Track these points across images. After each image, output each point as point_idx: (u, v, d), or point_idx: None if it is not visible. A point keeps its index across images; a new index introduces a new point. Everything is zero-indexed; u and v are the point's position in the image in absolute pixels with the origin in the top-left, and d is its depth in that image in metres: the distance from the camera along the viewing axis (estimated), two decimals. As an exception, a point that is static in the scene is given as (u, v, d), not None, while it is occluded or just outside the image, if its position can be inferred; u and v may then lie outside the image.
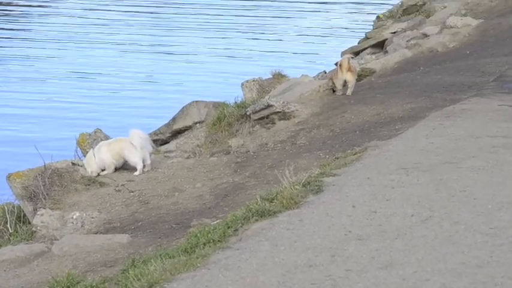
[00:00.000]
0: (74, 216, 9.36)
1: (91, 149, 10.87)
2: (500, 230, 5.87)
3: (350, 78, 12.64)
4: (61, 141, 15.57)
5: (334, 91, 12.79)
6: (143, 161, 10.73)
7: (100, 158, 10.74)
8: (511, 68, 12.74)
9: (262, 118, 11.88)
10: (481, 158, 7.69)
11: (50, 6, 34.76)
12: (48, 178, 10.08)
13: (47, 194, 9.93)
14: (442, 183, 6.96)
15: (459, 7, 20.41)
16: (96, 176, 10.60)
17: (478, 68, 13.14)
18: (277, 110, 11.85)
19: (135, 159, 10.70)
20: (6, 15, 33.14)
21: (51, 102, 20.91)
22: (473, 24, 17.79)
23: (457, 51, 15.94)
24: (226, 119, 12.30)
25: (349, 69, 12.62)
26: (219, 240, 6.26)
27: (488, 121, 9.24)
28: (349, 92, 12.65)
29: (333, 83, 12.90)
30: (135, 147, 10.71)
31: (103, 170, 10.75)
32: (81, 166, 10.62)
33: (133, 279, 5.93)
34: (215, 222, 7.37)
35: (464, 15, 19.14)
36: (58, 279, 6.85)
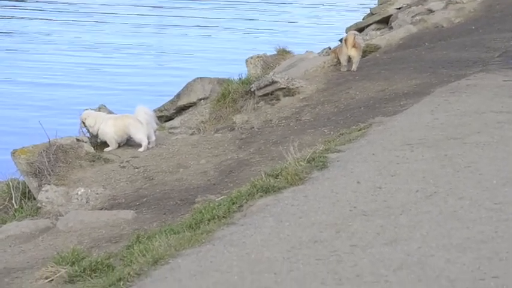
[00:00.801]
0: (79, 192, 9.37)
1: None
2: (505, 205, 5.87)
3: (354, 54, 12.63)
4: (66, 117, 15.58)
5: (339, 66, 12.77)
6: (148, 138, 10.73)
7: (103, 131, 10.76)
8: (517, 43, 12.69)
9: (266, 94, 11.86)
10: (486, 134, 7.67)
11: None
12: (53, 154, 10.08)
13: (51, 170, 9.93)
14: (447, 159, 6.95)
15: (464, -18, 20.29)
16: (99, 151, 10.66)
17: (484, 44, 13.08)
18: (282, 86, 11.82)
19: (141, 135, 10.69)
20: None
21: (56, 78, 20.90)
22: (479, 0, 17.70)
23: (462, 26, 15.87)
24: (230, 96, 12.28)
25: (354, 45, 12.59)
26: (223, 216, 6.26)
27: (493, 96, 9.21)
28: (354, 67, 12.63)
29: (338, 59, 12.88)
30: (141, 124, 10.70)
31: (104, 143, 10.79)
32: (86, 142, 10.62)
33: (138, 254, 5.95)
34: (220, 198, 7.37)
35: (470, -10, 19.04)
36: (63, 254, 6.87)
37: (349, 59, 12.62)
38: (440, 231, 5.49)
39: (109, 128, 10.78)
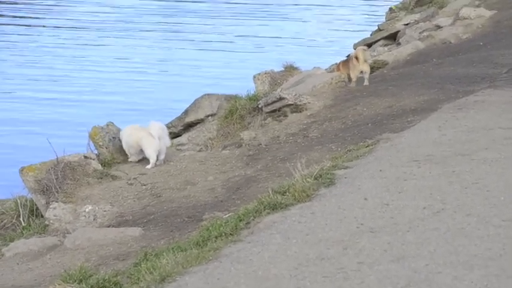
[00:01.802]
0: (87, 210, 9.38)
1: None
2: (513, 222, 5.85)
3: (367, 69, 12.73)
4: (73, 134, 15.61)
5: (347, 82, 12.79)
6: (158, 154, 10.73)
7: (122, 139, 10.88)
8: (525, 59, 12.68)
9: (274, 111, 11.86)
10: (493, 150, 7.65)
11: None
12: (60, 171, 10.10)
13: (59, 188, 9.94)
14: (455, 175, 6.94)
15: (472, -2, 20.32)
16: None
17: (491, 60, 13.07)
18: (289, 102, 11.83)
19: (150, 151, 10.69)
20: (21, 3, 33.26)
21: (62, 94, 20.94)
22: (487, 15, 17.70)
23: (470, 42, 15.87)
24: (238, 112, 12.30)
25: (365, 60, 12.69)
26: (230, 234, 6.25)
27: (501, 113, 9.19)
28: (366, 82, 12.69)
29: (347, 75, 12.90)
30: (153, 138, 10.69)
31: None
32: (94, 159, 10.63)
33: (146, 272, 5.94)
34: (227, 216, 7.37)
35: (478, 6, 19.06)
36: (70, 272, 6.87)
37: (360, 74, 12.69)
38: (448, 248, 5.47)
39: (125, 138, 10.84)
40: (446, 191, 6.57)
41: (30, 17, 31.39)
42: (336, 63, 13.89)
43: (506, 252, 5.35)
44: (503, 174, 6.95)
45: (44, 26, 29.90)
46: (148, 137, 10.70)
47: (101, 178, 10.28)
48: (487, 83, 11.25)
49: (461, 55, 14.43)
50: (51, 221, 9.36)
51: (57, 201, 9.63)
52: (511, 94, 10.25)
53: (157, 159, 10.71)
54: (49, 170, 10.13)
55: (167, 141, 11.00)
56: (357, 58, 12.78)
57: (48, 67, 23.80)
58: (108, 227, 8.94)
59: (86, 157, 10.59)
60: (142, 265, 6.29)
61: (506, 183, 6.70)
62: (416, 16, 20.30)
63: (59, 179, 10.02)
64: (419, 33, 17.79)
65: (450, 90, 11.21)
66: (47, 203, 9.81)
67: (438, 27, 17.87)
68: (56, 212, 9.42)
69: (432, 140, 8.18)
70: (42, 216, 9.84)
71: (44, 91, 21.16)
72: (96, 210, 9.35)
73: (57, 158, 10.29)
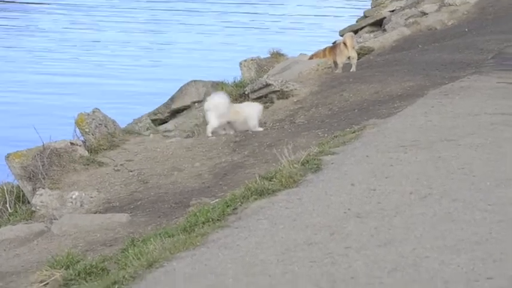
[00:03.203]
0: (73, 196, 9.36)
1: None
2: (498, 206, 5.88)
3: (354, 55, 12.76)
4: (59, 120, 15.57)
5: (334, 68, 12.81)
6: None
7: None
8: (510, 45, 12.72)
9: (260, 97, 11.87)
10: (479, 135, 7.68)
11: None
12: (47, 158, 10.07)
13: (46, 174, 9.92)
14: (441, 161, 6.97)
15: (458, -16, 20.33)
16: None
17: (477, 46, 13.12)
18: (276, 89, 11.84)
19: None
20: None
21: (48, 81, 20.86)
22: (472, 2, 17.75)
23: (455, 28, 15.91)
24: (224, 98, 12.26)
25: (353, 47, 12.73)
26: (218, 219, 6.26)
27: (486, 98, 9.23)
28: (353, 68, 12.72)
29: (334, 61, 12.91)
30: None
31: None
32: (80, 146, 10.61)
33: (133, 258, 5.94)
34: (214, 201, 7.38)
35: (463, -8, 19.08)
36: (58, 258, 6.86)
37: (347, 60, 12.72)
38: (435, 232, 5.50)
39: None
40: (433, 176, 6.60)
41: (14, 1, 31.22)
42: (319, 50, 13.88)
43: (492, 237, 5.38)
44: (489, 159, 6.99)
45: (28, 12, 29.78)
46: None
47: (88, 164, 10.26)
48: (472, 69, 11.29)
49: (447, 41, 14.47)
50: (37, 208, 9.35)
51: (43, 188, 9.61)
52: (496, 80, 10.29)
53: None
54: (35, 156, 10.10)
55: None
56: (345, 44, 12.80)
57: (31, 50, 23.68)
58: (95, 213, 8.94)
59: (72, 143, 10.56)
60: (129, 251, 6.29)
61: (492, 168, 6.74)
62: (402, 3, 20.33)
63: (45, 165, 10.00)
64: (405, 19, 17.83)
65: (436, 76, 11.24)
66: (33, 190, 9.79)
67: (424, 13, 17.91)
68: (42, 198, 9.40)
69: (418, 125, 8.20)
70: (28, 202, 9.82)
71: (28, 75, 21.07)
72: (82, 196, 9.34)
73: (43, 145, 10.27)
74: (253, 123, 10.71)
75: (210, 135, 10.71)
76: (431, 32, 16.09)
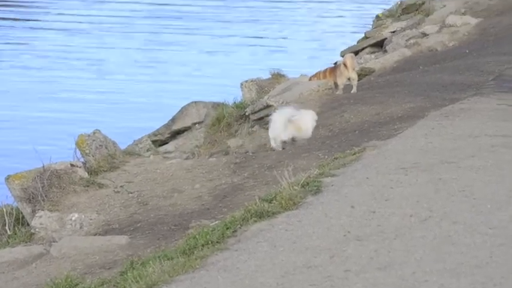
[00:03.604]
0: (73, 218, 9.34)
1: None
2: (499, 230, 5.86)
3: (354, 76, 12.77)
4: (60, 142, 15.56)
5: (334, 89, 12.82)
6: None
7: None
8: (511, 67, 12.72)
9: (261, 118, 11.87)
10: (480, 158, 7.67)
11: None
12: (46, 179, 10.06)
13: (45, 196, 9.91)
14: (441, 183, 6.94)
15: (458, 6, 20.40)
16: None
17: (478, 67, 13.12)
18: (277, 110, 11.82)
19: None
20: (4, 5, 33.17)
21: (48, 102, 20.88)
22: (473, 23, 17.77)
23: (456, 50, 15.93)
24: (225, 120, 12.30)
25: (354, 68, 12.75)
26: (217, 242, 6.24)
27: (487, 120, 9.22)
28: (354, 89, 12.73)
29: (334, 82, 12.92)
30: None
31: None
32: (80, 167, 10.60)
33: (132, 281, 5.92)
34: (214, 224, 7.35)
35: (464, 13, 19.14)
36: (56, 281, 6.84)
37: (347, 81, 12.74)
38: (435, 256, 5.47)
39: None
40: (433, 198, 6.58)
41: (17, 19, 31.31)
42: (319, 71, 13.90)
43: (492, 260, 5.35)
44: (489, 181, 6.97)
45: (31, 28, 29.87)
46: None
47: (88, 186, 10.24)
48: (473, 90, 11.29)
49: (448, 62, 14.48)
50: (37, 230, 9.32)
51: (43, 210, 9.59)
52: (497, 102, 10.28)
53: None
54: (35, 178, 10.09)
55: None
56: (345, 65, 12.82)
57: (29, 68, 23.72)
58: (95, 235, 8.91)
59: (72, 165, 10.55)
60: (128, 274, 6.26)
61: (493, 191, 6.72)
62: (403, 24, 20.36)
63: (45, 187, 9.98)
64: (406, 40, 17.85)
65: (436, 97, 11.23)
66: (33, 211, 9.77)
67: (424, 34, 17.93)
68: (42, 220, 9.37)
69: (419, 147, 8.19)
70: (28, 224, 9.80)
71: (30, 100, 21.08)
72: (82, 218, 9.32)
73: (43, 166, 10.26)
74: (310, 133, 10.66)
75: (275, 146, 10.68)
76: (432, 53, 16.10)
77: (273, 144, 10.59)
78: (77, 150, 11.20)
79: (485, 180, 7.01)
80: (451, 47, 16.46)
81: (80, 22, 31.11)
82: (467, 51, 15.33)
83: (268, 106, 11.84)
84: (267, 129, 11.67)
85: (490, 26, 17.52)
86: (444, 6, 20.72)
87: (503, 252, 5.47)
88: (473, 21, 17.93)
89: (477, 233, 5.80)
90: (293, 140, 10.66)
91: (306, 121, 10.63)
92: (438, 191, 6.76)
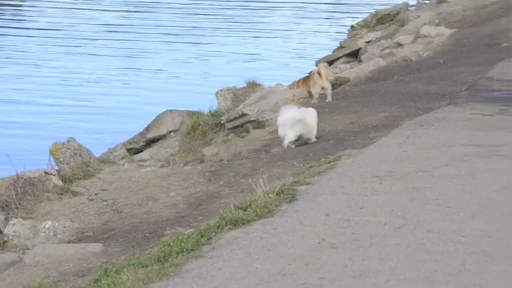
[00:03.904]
0: (47, 226, 9.29)
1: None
2: (472, 238, 5.90)
3: (328, 85, 12.83)
4: (33, 149, 15.47)
5: (309, 99, 12.86)
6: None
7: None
8: (484, 77, 12.83)
9: (236, 127, 11.87)
10: (453, 167, 7.72)
11: (22, 6, 34.64)
12: (20, 187, 10.00)
13: (19, 203, 9.85)
14: (415, 192, 6.98)
15: (433, 16, 20.56)
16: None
17: (451, 77, 13.22)
18: (252, 118, 11.85)
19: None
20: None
21: (22, 110, 20.75)
22: (447, 34, 17.91)
23: (430, 60, 16.04)
24: (200, 128, 12.28)
25: (327, 77, 12.81)
26: (192, 249, 6.23)
27: (461, 130, 9.28)
28: (329, 98, 12.78)
29: (309, 91, 12.96)
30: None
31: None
32: (54, 175, 10.55)
33: (106, 288, 5.90)
34: (188, 231, 7.34)
35: (438, 24, 19.28)
36: (30, 289, 6.80)
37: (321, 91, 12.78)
38: (409, 263, 5.50)
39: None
40: (407, 207, 6.61)
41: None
42: (295, 81, 13.95)
43: (465, 268, 5.39)
44: (463, 190, 7.02)
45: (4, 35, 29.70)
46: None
47: (62, 194, 10.20)
48: (447, 100, 11.37)
49: (422, 72, 14.57)
50: (10, 237, 9.26)
51: (16, 217, 9.53)
52: (470, 111, 10.36)
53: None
54: (9, 186, 10.03)
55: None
56: (319, 74, 12.87)
57: (8, 75, 23.58)
58: (69, 243, 8.86)
59: (46, 173, 10.50)
60: (102, 281, 6.24)
61: (466, 200, 6.77)
62: (378, 34, 20.48)
63: (18, 194, 9.92)
64: (381, 50, 17.95)
65: (411, 107, 11.30)
66: (6, 219, 9.70)
67: (399, 44, 18.04)
68: (15, 228, 9.31)
69: (393, 156, 8.23)
70: (1, 232, 9.72)
71: (4, 108, 20.95)
72: (56, 226, 9.27)
73: (17, 174, 10.20)
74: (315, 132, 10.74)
75: (286, 146, 10.65)
76: (407, 63, 16.20)
77: (286, 142, 10.66)
78: (51, 158, 11.15)
79: (459, 189, 7.06)
80: (426, 57, 16.57)
81: (55, 29, 30.99)
82: (441, 61, 15.44)
83: (243, 115, 11.85)
84: (243, 137, 11.68)
85: (463, 36, 17.66)
86: (418, 16, 20.87)
87: (476, 260, 5.50)
88: (447, 31, 18.07)
89: (450, 241, 5.84)
90: (300, 138, 10.73)
91: (311, 119, 10.70)
92: (412, 199, 6.80)
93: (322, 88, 12.83)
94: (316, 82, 12.82)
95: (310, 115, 10.71)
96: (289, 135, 10.63)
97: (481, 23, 18.82)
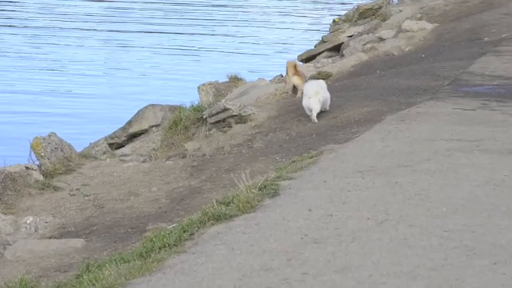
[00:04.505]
0: (28, 221, 9.24)
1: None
2: (454, 233, 5.91)
3: (299, 82, 12.83)
4: (14, 144, 15.38)
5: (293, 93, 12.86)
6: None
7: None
8: (466, 71, 12.86)
9: (218, 121, 11.85)
10: (436, 161, 7.73)
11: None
12: (1, 182, 9.94)
13: (-1, 199, 9.80)
14: (398, 186, 6.99)
15: (414, 11, 20.59)
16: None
17: (433, 72, 13.24)
18: (234, 113, 11.82)
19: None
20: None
21: (2, 103, 20.62)
22: (429, 28, 17.94)
23: (412, 55, 16.06)
24: (182, 123, 12.25)
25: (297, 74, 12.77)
26: (174, 245, 6.21)
27: (443, 124, 9.30)
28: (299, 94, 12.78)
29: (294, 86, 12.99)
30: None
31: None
32: (35, 170, 10.49)
33: (88, 284, 5.88)
34: (171, 226, 7.32)
35: (420, 19, 19.32)
36: (11, 284, 6.76)
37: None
38: (391, 258, 5.50)
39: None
40: (390, 202, 6.62)
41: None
42: (281, 75, 13.94)
43: (448, 263, 5.40)
44: (445, 185, 7.03)
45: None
46: None
47: (43, 189, 10.14)
48: (429, 95, 11.38)
49: (404, 67, 14.59)
50: (-10, 233, 9.21)
51: (-3, 213, 9.48)
52: (452, 106, 10.38)
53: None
54: (-11, 181, 9.97)
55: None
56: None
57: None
58: (50, 238, 8.82)
59: (27, 168, 10.44)
60: (84, 277, 6.22)
61: (448, 194, 6.78)
62: (360, 28, 20.49)
63: (-1, 189, 9.87)
64: (363, 45, 17.95)
65: (393, 101, 11.31)
66: (-14, 215, 9.64)
67: (381, 39, 18.06)
68: (-4, 223, 9.26)
69: (376, 151, 8.23)
70: (-18, 227, 9.67)
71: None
72: (37, 221, 9.22)
73: (-3, 169, 10.14)
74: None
75: (316, 120, 11.09)
76: (389, 58, 16.21)
77: (314, 116, 11.15)
78: (32, 153, 11.09)
79: (441, 183, 7.07)
80: (408, 51, 16.59)
81: (35, 21, 30.83)
82: (423, 56, 15.46)
83: (225, 109, 11.83)
84: (225, 132, 11.66)
85: (445, 31, 17.70)
86: (400, 11, 20.90)
87: (458, 255, 5.52)
88: (429, 26, 18.10)
89: (433, 236, 5.85)
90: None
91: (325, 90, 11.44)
92: (395, 194, 6.81)
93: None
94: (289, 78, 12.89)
95: (325, 87, 11.46)
96: (316, 107, 11.14)
97: (463, 18, 18.86)
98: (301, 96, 11.64)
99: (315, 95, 11.10)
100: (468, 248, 5.62)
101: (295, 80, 12.75)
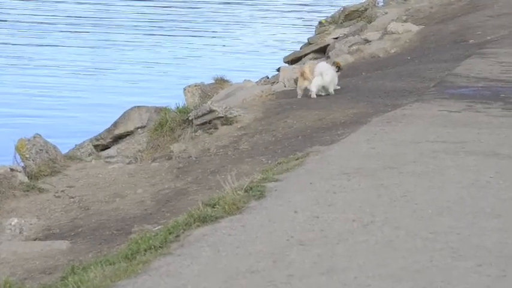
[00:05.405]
0: (12, 223, 9.20)
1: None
2: (440, 235, 5.92)
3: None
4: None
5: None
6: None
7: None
8: (451, 73, 12.90)
9: (204, 123, 11.84)
10: (421, 163, 7.74)
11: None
12: (-15, 184, 9.90)
13: (-16, 201, 9.75)
14: (383, 188, 7.00)
15: (400, 13, 20.66)
16: None
17: (419, 74, 13.27)
18: (220, 115, 11.82)
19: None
20: None
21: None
22: (414, 30, 18.00)
23: (398, 56, 16.10)
24: (168, 124, 12.22)
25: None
26: (160, 247, 6.19)
27: (428, 126, 9.32)
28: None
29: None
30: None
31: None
32: (20, 172, 10.45)
33: (73, 286, 5.85)
34: (156, 228, 7.30)
35: (405, 21, 19.38)
36: (-5, 287, 6.72)
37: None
38: (377, 260, 5.50)
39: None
40: (375, 203, 6.62)
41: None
42: (267, 77, 13.93)
43: (433, 265, 5.41)
44: (431, 187, 7.04)
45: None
46: None
47: (28, 191, 10.11)
48: (414, 96, 11.41)
49: (390, 69, 14.62)
50: (-25, 235, 9.17)
51: (-19, 214, 9.43)
52: (438, 108, 10.41)
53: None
54: (-27, 182, 9.92)
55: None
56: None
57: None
58: (35, 240, 8.79)
59: (12, 169, 10.40)
60: (69, 279, 6.19)
61: (434, 196, 6.79)
62: (346, 30, 20.54)
63: (-17, 191, 9.82)
64: (349, 47, 18.00)
65: (379, 103, 11.33)
66: (-29, 216, 9.60)
67: (367, 41, 18.11)
68: (-20, 225, 9.23)
69: (361, 153, 8.24)
70: (-34, 229, 9.62)
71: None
72: (22, 223, 9.18)
73: (-18, 170, 10.09)
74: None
75: (315, 96, 12.35)
76: (375, 60, 16.26)
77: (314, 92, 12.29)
78: (17, 154, 11.05)
79: (427, 185, 7.08)
80: (393, 53, 16.64)
81: (22, 21, 30.73)
82: (408, 58, 15.51)
83: (211, 111, 11.82)
84: (211, 134, 11.64)
85: (430, 33, 17.76)
86: (386, 13, 20.96)
87: (444, 257, 5.53)
88: (415, 28, 18.16)
89: (418, 238, 5.86)
90: (323, 87, 12.54)
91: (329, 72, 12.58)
92: (380, 196, 6.81)
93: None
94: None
95: (329, 68, 12.47)
96: (312, 88, 12.29)
97: (448, 20, 18.93)
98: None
99: (318, 75, 12.19)
100: (453, 250, 5.63)
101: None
